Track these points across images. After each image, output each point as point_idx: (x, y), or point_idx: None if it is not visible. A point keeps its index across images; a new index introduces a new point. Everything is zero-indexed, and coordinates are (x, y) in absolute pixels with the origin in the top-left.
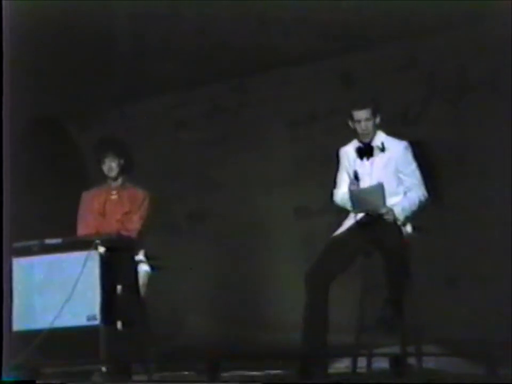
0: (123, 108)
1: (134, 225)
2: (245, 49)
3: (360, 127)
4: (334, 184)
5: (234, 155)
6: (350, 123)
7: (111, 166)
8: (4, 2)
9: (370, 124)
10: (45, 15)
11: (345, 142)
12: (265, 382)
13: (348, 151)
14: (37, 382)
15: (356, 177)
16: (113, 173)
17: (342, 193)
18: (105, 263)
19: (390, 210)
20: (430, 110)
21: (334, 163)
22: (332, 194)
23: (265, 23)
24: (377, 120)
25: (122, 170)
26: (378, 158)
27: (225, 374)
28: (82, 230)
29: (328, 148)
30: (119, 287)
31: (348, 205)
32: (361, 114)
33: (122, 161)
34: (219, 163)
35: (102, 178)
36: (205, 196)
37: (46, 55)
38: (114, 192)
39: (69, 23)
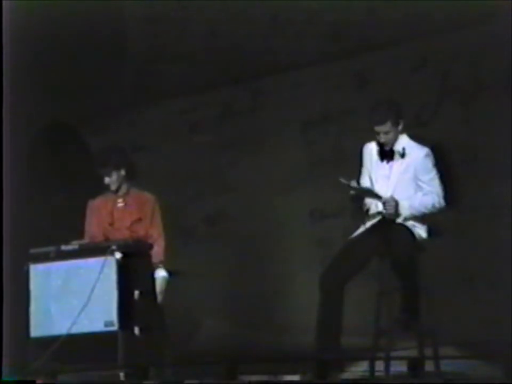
0: (136, 111)
1: (155, 231)
2: (258, 51)
3: (380, 139)
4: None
5: (249, 158)
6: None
7: (110, 180)
8: (4, 2)
9: (390, 135)
10: (55, 18)
11: (360, 143)
12: None
13: (371, 150)
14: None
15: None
16: (113, 187)
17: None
18: (122, 268)
19: (392, 200)
20: (443, 110)
21: (349, 164)
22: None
23: (278, 25)
24: (400, 127)
25: (126, 179)
26: (397, 162)
27: (242, 378)
28: (90, 239)
29: (343, 149)
30: (136, 293)
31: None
32: (380, 128)
33: (123, 172)
34: (233, 166)
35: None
36: (220, 199)
37: (57, 60)
38: (120, 200)
39: (82, 26)
